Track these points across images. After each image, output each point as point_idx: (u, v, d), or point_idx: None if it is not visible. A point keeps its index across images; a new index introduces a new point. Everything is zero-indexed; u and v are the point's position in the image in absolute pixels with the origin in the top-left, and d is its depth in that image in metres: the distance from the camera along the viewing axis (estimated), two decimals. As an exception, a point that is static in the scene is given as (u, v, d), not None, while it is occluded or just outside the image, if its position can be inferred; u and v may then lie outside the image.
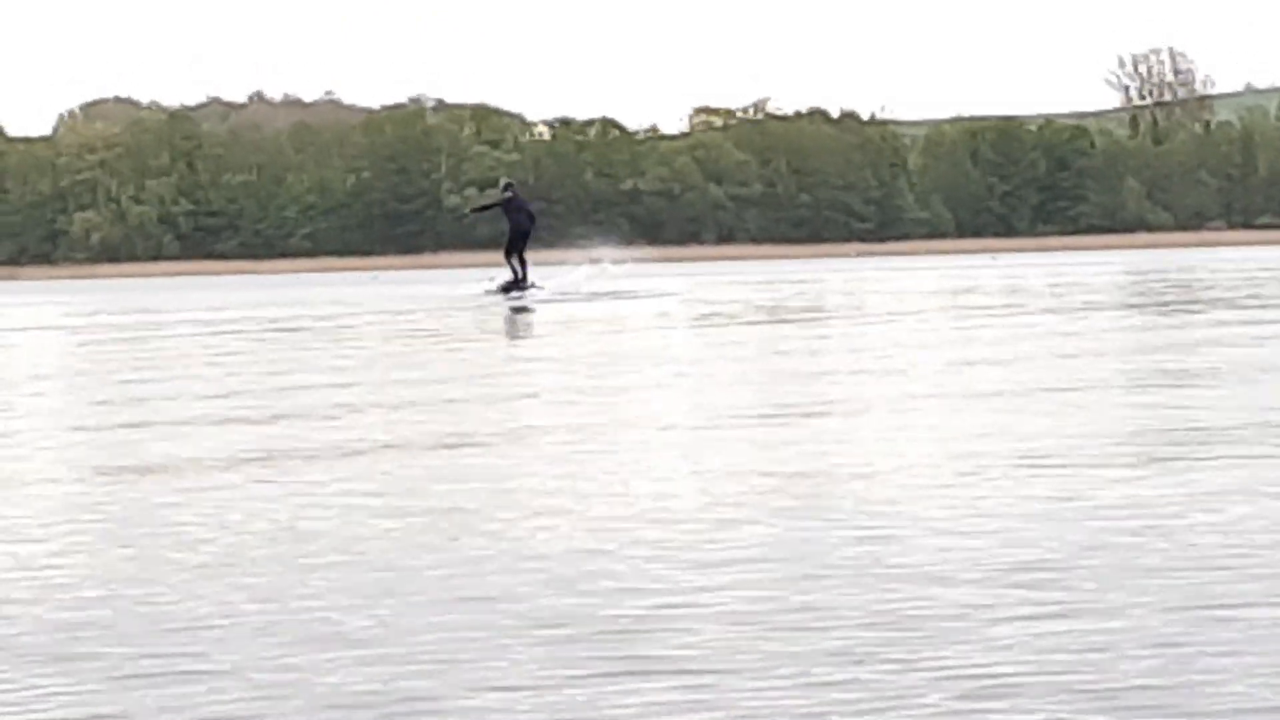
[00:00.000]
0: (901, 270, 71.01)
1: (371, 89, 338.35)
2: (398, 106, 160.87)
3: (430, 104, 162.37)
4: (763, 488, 8.38)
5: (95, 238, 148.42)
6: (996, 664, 4.90)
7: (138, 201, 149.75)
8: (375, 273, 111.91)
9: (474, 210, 53.93)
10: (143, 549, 7.12)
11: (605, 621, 5.56)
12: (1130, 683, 4.68)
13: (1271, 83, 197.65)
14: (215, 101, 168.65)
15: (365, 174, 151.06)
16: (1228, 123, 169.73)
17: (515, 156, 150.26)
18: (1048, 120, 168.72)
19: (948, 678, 4.77)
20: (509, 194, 42.15)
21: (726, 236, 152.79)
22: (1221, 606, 5.54)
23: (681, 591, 5.99)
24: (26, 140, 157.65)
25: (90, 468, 10.20)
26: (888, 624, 5.42)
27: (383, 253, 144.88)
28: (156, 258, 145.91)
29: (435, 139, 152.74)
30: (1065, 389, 13.23)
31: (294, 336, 27.03)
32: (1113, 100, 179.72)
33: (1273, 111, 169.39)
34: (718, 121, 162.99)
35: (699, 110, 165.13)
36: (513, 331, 27.25)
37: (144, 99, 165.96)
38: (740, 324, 27.25)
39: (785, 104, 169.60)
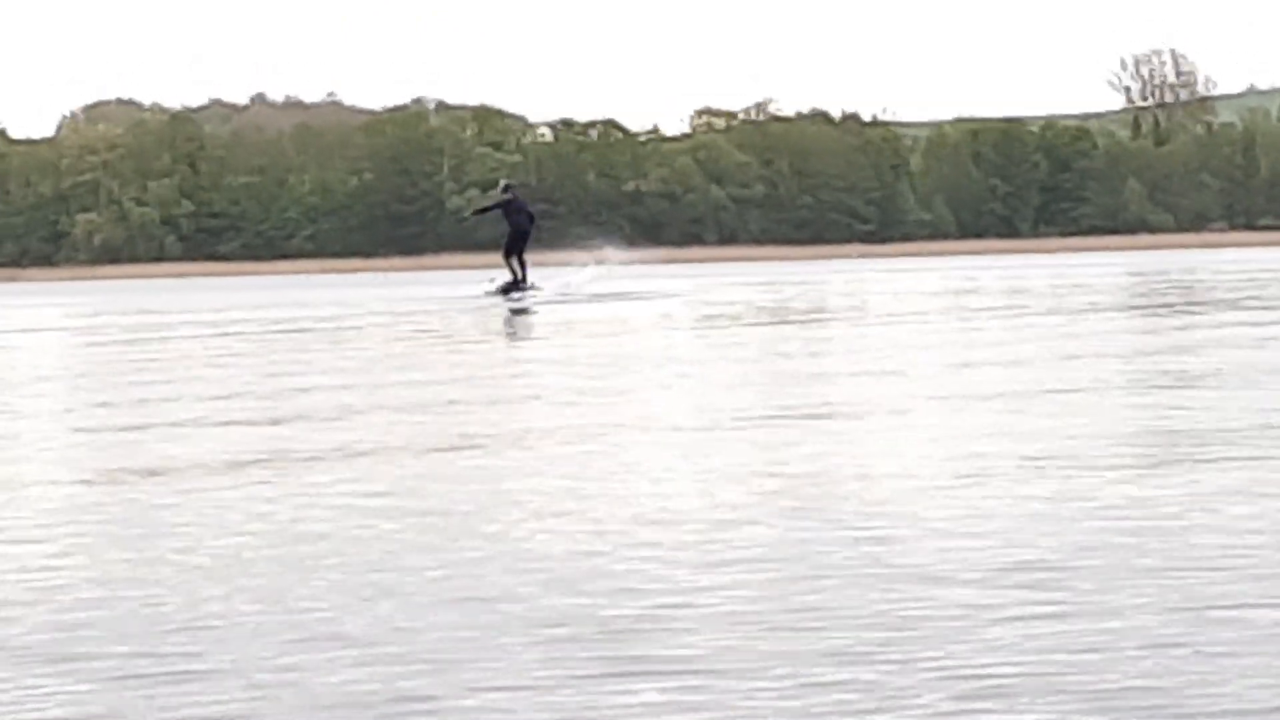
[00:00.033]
0: (903, 271, 70.99)
1: (373, 90, 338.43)
2: (400, 108, 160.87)
3: (432, 105, 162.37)
4: (763, 489, 8.38)
5: (97, 239, 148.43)
6: (994, 664, 4.90)
7: (140, 203, 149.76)
8: (385, 274, 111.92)
9: (475, 213, 53.89)
10: (143, 550, 7.13)
11: (605, 621, 5.57)
12: (1127, 684, 4.68)
13: (1273, 84, 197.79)
14: (217, 103, 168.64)
15: (367, 175, 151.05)
16: (1230, 124, 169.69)
17: (517, 158, 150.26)
18: (1049, 121, 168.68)
19: (945, 678, 4.77)
20: (508, 195, 42.12)
21: (728, 238, 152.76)
22: (1220, 607, 5.55)
23: (680, 592, 5.99)
24: (28, 142, 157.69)
25: (91, 469, 10.21)
26: (886, 624, 5.42)
27: (385, 254, 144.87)
28: (158, 259, 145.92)
29: (437, 140, 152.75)
30: (1066, 390, 13.23)
31: (296, 338, 27.04)
32: (1115, 101, 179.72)
33: (1275, 113, 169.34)
34: (719, 123, 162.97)
35: (701, 111, 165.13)
36: (514, 333, 27.26)
37: (146, 100, 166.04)
38: (742, 325, 27.26)
39: (787, 105, 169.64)
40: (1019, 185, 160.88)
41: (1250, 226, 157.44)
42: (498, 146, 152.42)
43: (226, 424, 12.49)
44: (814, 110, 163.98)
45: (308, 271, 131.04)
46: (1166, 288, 39.50)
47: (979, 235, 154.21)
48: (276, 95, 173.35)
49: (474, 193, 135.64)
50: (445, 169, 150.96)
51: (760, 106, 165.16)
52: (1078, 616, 5.46)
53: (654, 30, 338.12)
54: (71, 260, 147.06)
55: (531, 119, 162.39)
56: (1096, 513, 7.37)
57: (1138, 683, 4.68)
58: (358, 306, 41.19)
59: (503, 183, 44.52)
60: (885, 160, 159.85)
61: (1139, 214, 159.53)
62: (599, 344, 23.09)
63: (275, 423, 12.48)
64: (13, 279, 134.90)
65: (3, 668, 5.19)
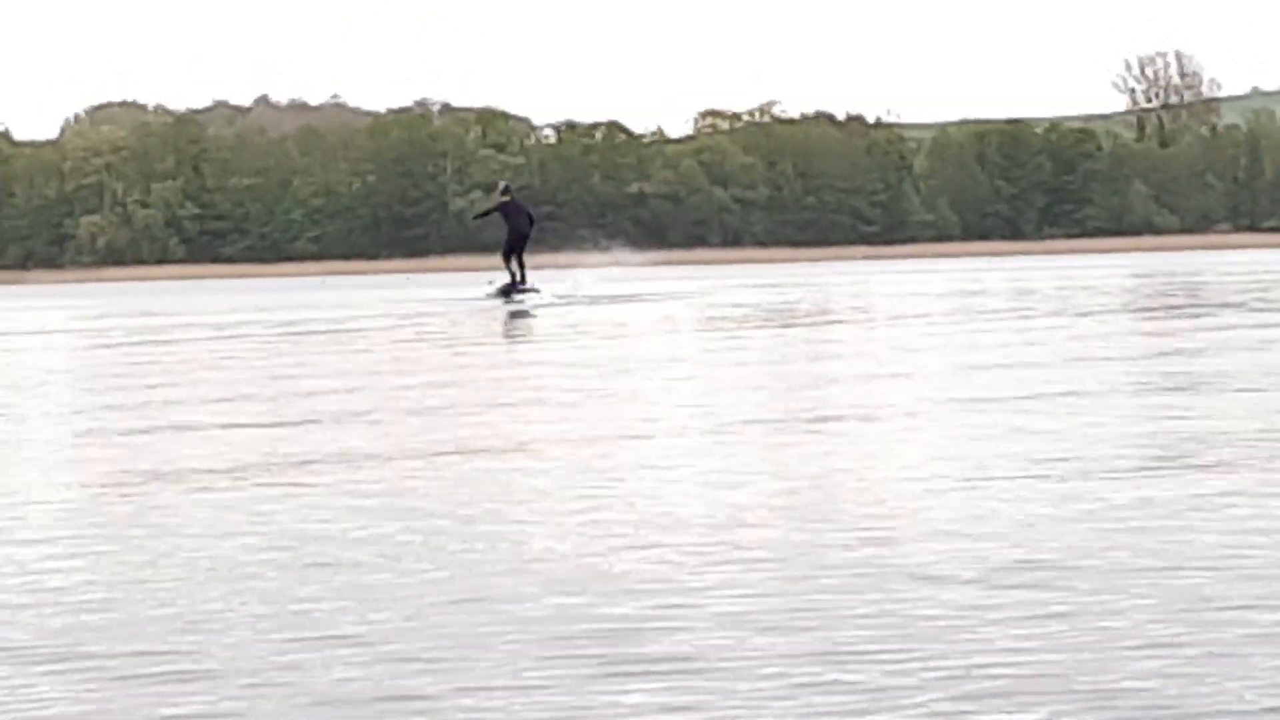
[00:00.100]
0: (908, 273, 70.98)
1: (377, 92, 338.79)
2: (404, 110, 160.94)
3: (436, 107, 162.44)
4: (766, 491, 8.38)
5: (101, 241, 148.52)
6: (994, 664, 4.90)
7: (144, 205, 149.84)
8: (389, 275, 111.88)
9: (475, 217, 53.86)
10: (144, 551, 7.13)
11: (604, 621, 5.57)
12: (1127, 684, 4.68)
13: (1278, 85, 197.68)
14: (221, 105, 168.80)
15: (371, 177, 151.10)
16: (1234, 126, 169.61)
17: (521, 160, 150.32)
18: (1054, 123, 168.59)
19: (945, 678, 4.77)
20: (506, 197, 42.11)
21: (732, 240, 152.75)
22: (1220, 608, 5.54)
23: (680, 592, 5.99)
24: (33, 144, 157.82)
25: (95, 471, 10.21)
26: (885, 624, 5.42)
27: (389, 256, 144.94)
28: (162, 261, 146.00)
29: (441, 142, 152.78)
30: (1071, 394, 13.21)
31: (298, 341, 27.03)
32: (1119, 103, 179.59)
33: (1279, 114, 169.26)
34: (724, 125, 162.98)
35: (705, 113, 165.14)
36: (518, 336, 27.24)
37: (150, 103, 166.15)
38: (747, 328, 27.25)
39: (791, 107, 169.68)
40: (1024, 187, 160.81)
41: (1255, 228, 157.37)
42: (501, 148, 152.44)
43: (230, 426, 12.49)
44: (818, 112, 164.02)
45: (312, 273, 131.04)
46: (1172, 290, 39.49)
47: (983, 237, 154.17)
48: (280, 97, 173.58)
49: (477, 194, 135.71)
50: (449, 171, 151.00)
51: (764, 108, 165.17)
52: (1078, 616, 5.46)
53: (658, 32, 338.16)
54: (76, 262, 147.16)
55: (535, 121, 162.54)
56: (1098, 514, 7.36)
57: (1137, 683, 4.68)
58: (361, 309, 41.20)
59: (501, 185, 44.49)
60: (890, 162, 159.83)
61: (1143, 215, 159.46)
62: (603, 346, 23.09)
63: (278, 425, 12.48)
64: (17, 281, 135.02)
65: (4, 667, 5.19)
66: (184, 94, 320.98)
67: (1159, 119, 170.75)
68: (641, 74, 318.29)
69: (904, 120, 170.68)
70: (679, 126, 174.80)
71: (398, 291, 57.45)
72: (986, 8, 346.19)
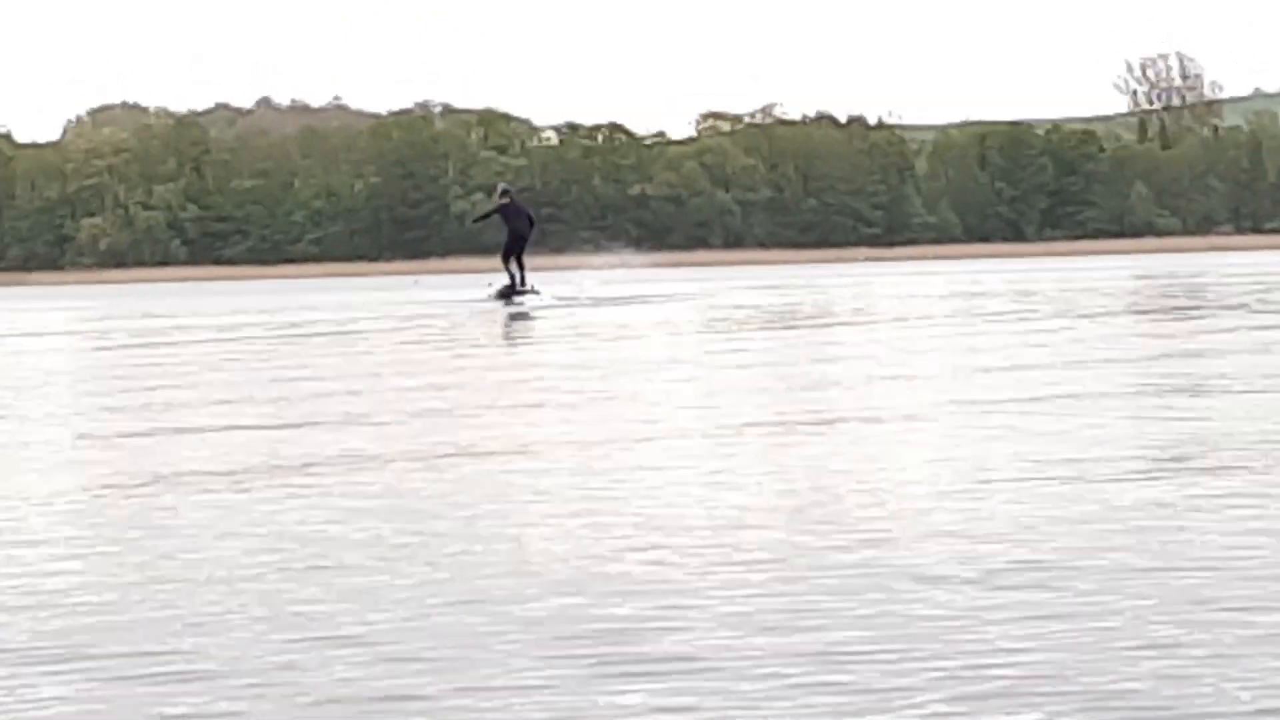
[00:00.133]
0: (910, 275, 70.98)
1: (379, 94, 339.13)
2: (405, 112, 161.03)
3: (438, 109, 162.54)
4: (767, 493, 8.38)
5: (103, 243, 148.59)
6: (993, 665, 4.90)
7: (145, 207, 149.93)
8: (391, 277, 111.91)
9: (475, 220, 53.78)
10: (144, 553, 7.13)
11: (604, 622, 5.57)
12: (1126, 685, 4.68)
13: None
14: (223, 107, 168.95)
15: (373, 179, 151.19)
16: (1236, 127, 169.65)
17: (522, 162, 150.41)
18: (1056, 125, 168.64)
19: (944, 679, 4.77)
20: (505, 199, 42.09)
21: (734, 241, 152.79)
22: (1220, 609, 5.54)
23: (680, 593, 5.99)
24: (34, 146, 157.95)
25: (95, 473, 10.21)
26: (884, 625, 5.42)
27: (390, 258, 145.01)
28: (164, 263, 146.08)
29: (443, 144, 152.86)
30: (1072, 395, 13.21)
31: (299, 342, 27.04)
32: (1121, 105, 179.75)
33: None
34: (725, 126, 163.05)
35: (706, 115, 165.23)
36: (516, 338, 27.25)
37: (151, 105, 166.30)
38: (749, 329, 27.25)
39: (792, 109, 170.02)
40: (1025, 189, 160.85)
41: (1257, 230, 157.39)
42: (503, 150, 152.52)
43: (230, 428, 12.49)
44: (820, 113, 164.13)
45: (314, 275, 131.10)
46: (1174, 291, 39.48)
47: (985, 239, 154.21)
48: (282, 99, 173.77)
49: (479, 197, 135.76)
50: (450, 173, 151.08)
51: (766, 110, 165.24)
52: (1077, 617, 5.46)
53: (659, 34, 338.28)
54: (77, 264, 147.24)
55: (537, 122, 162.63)
56: (1098, 516, 7.36)
57: (1137, 684, 4.68)
58: (363, 310, 41.21)
59: (500, 187, 44.48)
60: (891, 164, 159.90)
61: (1145, 217, 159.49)
62: (604, 348, 23.09)
63: (279, 427, 12.48)
64: (19, 283, 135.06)
65: (3, 668, 5.20)
66: (185, 96, 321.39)
67: (1161, 121, 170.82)
68: (643, 76, 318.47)
69: (905, 122, 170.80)
70: (680, 128, 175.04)
71: (400, 293, 57.45)
72: (988, 9, 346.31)
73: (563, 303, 38.19)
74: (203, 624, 5.72)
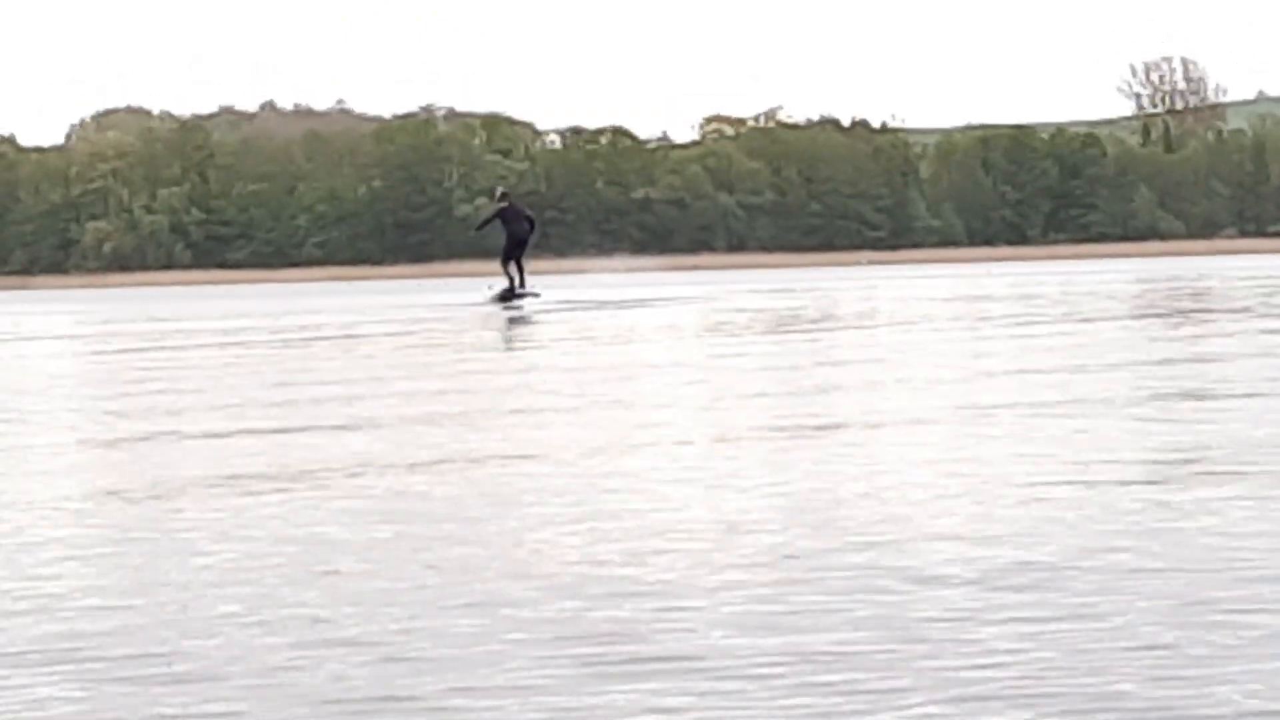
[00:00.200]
0: (913, 278, 70.99)
1: (382, 98, 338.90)
2: (409, 115, 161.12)
3: (441, 113, 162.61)
4: (770, 495, 8.39)
5: (107, 247, 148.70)
6: (991, 666, 4.91)
7: (149, 211, 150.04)
8: (395, 281, 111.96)
9: (476, 228, 53.63)
10: (144, 555, 7.15)
11: (603, 623, 5.58)
12: (1124, 687, 4.69)
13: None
14: (227, 111, 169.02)
15: (376, 183, 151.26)
16: (1240, 131, 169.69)
17: (526, 165, 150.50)
18: (1059, 128, 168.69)
19: (942, 680, 4.78)
20: (504, 203, 42.09)
21: (738, 245, 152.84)
22: (1219, 611, 5.55)
23: (681, 595, 6.00)
24: (39, 150, 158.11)
25: (96, 475, 10.22)
26: (885, 627, 5.43)
27: (394, 261, 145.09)
28: (168, 267, 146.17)
29: (446, 148, 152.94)
30: (1075, 399, 13.22)
31: (302, 346, 27.06)
32: (1124, 108, 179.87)
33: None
34: (729, 130, 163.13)
35: (710, 119, 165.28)
36: (517, 342, 27.25)
37: (156, 108, 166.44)
38: (753, 333, 27.26)
39: (796, 112, 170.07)
40: (1029, 192, 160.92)
41: (1260, 233, 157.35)
42: (507, 154, 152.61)
43: (233, 433, 12.50)
44: (823, 117, 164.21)
45: (317, 279, 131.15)
46: (1178, 295, 39.48)
47: (988, 242, 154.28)
48: (286, 103, 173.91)
49: (483, 200, 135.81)
50: (454, 176, 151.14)
51: (769, 114, 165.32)
52: (1076, 619, 5.47)
53: (663, 37, 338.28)
54: (81, 268, 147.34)
55: (540, 126, 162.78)
56: (1099, 518, 7.37)
57: (1135, 687, 4.69)
58: (366, 314, 41.24)
59: (498, 190, 44.54)
60: (895, 167, 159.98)
61: (1149, 221, 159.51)
62: (607, 352, 23.10)
63: (280, 431, 12.49)
64: (23, 286, 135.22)
65: (2, 669, 5.21)
66: (189, 99, 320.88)
67: (1164, 124, 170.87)
68: (647, 79, 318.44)
69: (909, 125, 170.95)
70: (684, 132, 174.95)
71: (403, 297, 57.48)
72: (991, 13, 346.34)
73: (564, 306, 38.20)
74: (203, 625, 5.73)
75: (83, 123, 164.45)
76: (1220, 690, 4.62)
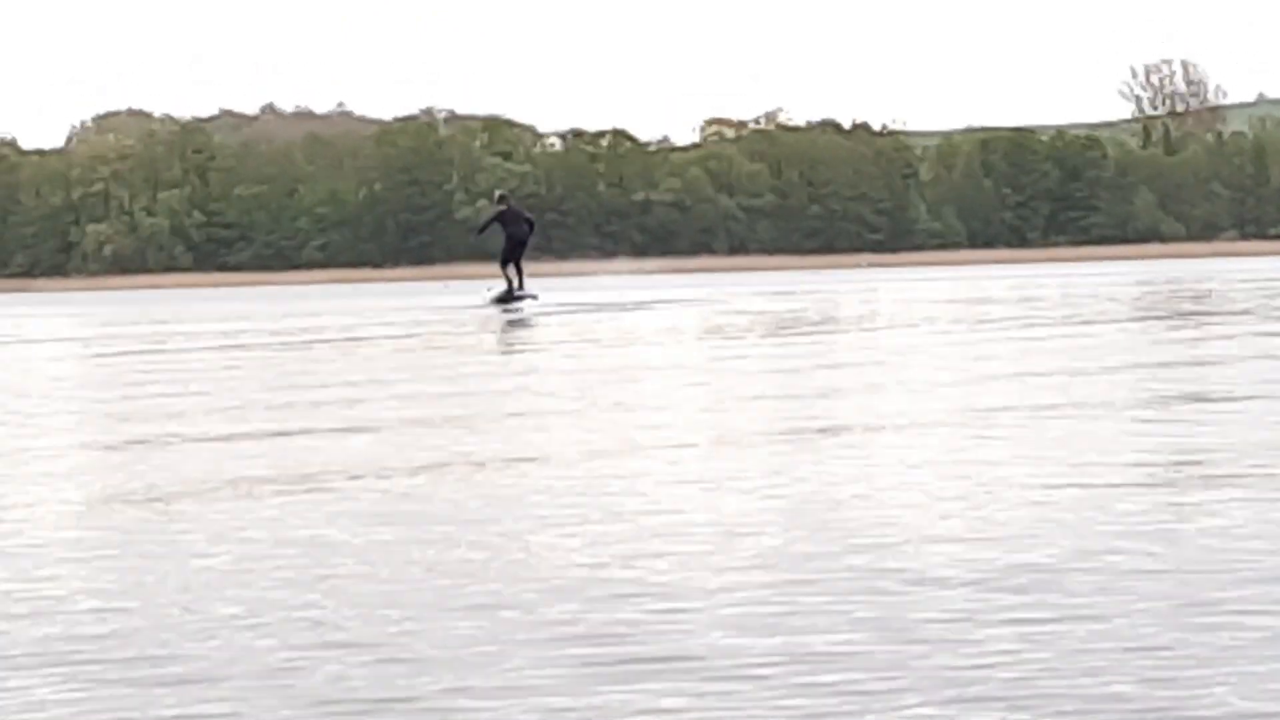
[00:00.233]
0: (915, 281, 70.98)
1: (383, 100, 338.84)
2: (409, 118, 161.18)
3: (442, 115, 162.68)
4: (770, 497, 8.39)
5: (108, 250, 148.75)
6: (989, 667, 4.91)
7: (150, 213, 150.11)
8: (395, 284, 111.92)
9: (476, 234, 53.61)
10: (144, 556, 7.15)
11: (602, 624, 5.59)
12: (1122, 689, 4.69)
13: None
14: (227, 113, 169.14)
15: (377, 185, 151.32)
16: (1240, 133, 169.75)
17: (527, 168, 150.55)
18: (1060, 131, 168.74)
19: (941, 681, 4.79)
20: (503, 206, 42.10)
21: (738, 247, 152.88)
22: (1217, 612, 5.55)
23: (681, 596, 6.01)
24: (39, 152, 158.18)
25: (96, 477, 10.23)
26: (883, 628, 5.44)
27: (395, 264, 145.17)
28: (169, 270, 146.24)
29: (447, 150, 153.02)
30: (1075, 401, 13.23)
31: (303, 349, 27.07)
32: (1125, 111, 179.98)
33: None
34: (729, 132, 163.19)
35: (710, 121, 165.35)
36: (516, 344, 27.25)
37: (156, 111, 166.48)
38: (754, 336, 27.26)
39: (797, 115, 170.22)
40: (1029, 194, 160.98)
41: (1261, 236, 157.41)
42: (507, 156, 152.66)
43: (233, 435, 12.51)
44: (824, 119, 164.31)
45: (317, 282, 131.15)
46: (1179, 297, 39.48)
47: (989, 244, 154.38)
48: (286, 105, 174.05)
49: (484, 203, 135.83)
50: (455, 179, 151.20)
51: (770, 116, 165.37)
52: (1074, 621, 5.47)
53: (664, 40, 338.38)
54: (82, 270, 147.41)
55: (541, 129, 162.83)
56: (1098, 520, 7.38)
57: (1133, 688, 4.69)
58: (367, 317, 41.24)
59: (497, 193, 44.60)
60: (895, 169, 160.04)
61: (1149, 223, 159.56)
62: (607, 355, 23.10)
63: (281, 434, 12.50)
64: (24, 289, 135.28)
65: (1, 670, 5.21)
66: (190, 102, 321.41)
67: (1165, 126, 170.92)
68: (647, 82, 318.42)
69: (909, 128, 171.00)
70: (685, 134, 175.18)
71: (403, 300, 57.48)
72: (992, 15, 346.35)
73: (565, 308, 38.20)
74: (202, 627, 5.74)
75: (83, 125, 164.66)
76: (1218, 692, 4.62)
